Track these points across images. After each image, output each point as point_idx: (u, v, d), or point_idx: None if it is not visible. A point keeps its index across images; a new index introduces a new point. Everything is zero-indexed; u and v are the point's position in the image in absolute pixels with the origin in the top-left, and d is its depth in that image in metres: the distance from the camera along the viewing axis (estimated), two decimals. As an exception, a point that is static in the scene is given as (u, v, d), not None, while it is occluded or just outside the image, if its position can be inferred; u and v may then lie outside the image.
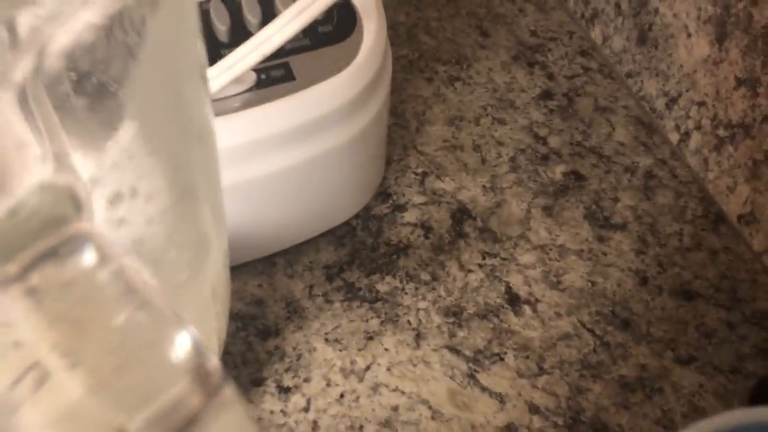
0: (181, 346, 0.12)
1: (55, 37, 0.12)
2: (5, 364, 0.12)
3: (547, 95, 0.44)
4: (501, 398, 0.34)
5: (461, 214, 0.39)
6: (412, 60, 0.45)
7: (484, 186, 0.40)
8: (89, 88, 0.13)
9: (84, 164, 0.14)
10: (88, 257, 0.12)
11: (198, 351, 0.12)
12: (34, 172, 0.13)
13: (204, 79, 0.18)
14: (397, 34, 0.46)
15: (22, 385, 0.12)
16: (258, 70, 0.32)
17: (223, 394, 0.12)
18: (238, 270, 0.37)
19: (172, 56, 0.15)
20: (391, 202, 0.39)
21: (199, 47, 0.17)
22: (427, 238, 0.38)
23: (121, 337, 0.12)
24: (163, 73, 0.15)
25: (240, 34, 0.33)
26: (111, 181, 0.14)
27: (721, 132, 0.39)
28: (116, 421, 0.12)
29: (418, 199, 0.40)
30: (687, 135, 0.41)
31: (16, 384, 0.12)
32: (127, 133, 0.14)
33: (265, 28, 0.30)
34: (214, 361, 0.12)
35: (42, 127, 0.13)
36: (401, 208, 0.39)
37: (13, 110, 0.12)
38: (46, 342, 0.12)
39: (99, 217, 0.15)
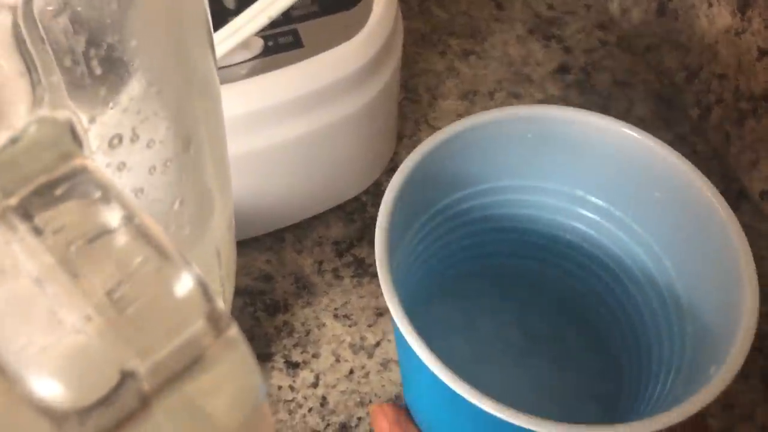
0: (191, 287, 0.12)
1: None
2: (12, 302, 0.12)
3: (564, 69, 0.44)
4: (514, 375, 0.34)
5: (474, 189, 0.39)
6: (425, 33, 0.45)
7: (498, 161, 0.40)
8: (86, 28, 0.13)
9: (82, 104, 0.14)
10: (92, 193, 0.12)
11: (207, 292, 0.12)
12: (31, 106, 0.13)
13: (209, 32, 0.18)
14: (409, 6, 0.46)
15: (29, 325, 0.12)
16: (265, 36, 0.32)
17: (230, 333, 0.12)
18: (245, 245, 0.37)
19: (175, 2, 0.15)
20: (402, 177, 0.39)
21: (203, 1, 0.17)
22: (439, 213, 0.38)
23: (129, 275, 0.12)
24: (165, 18, 0.15)
25: (247, 0, 0.33)
26: (111, 123, 0.14)
27: (743, 105, 0.39)
28: (128, 363, 0.12)
29: (431, 174, 0.40)
30: (708, 109, 0.41)
31: (24, 323, 0.12)
32: (127, 76, 0.14)
33: (272, -9, 0.30)
34: (220, 303, 0.13)
35: (37, 61, 0.13)
36: (413, 183, 0.39)
37: (6, 41, 0.12)
38: (51, 280, 0.12)
39: (99, 159, 0.15)
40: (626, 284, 0.28)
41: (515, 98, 0.42)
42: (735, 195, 0.39)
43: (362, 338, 0.35)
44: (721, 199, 0.24)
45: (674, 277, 0.26)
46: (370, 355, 0.34)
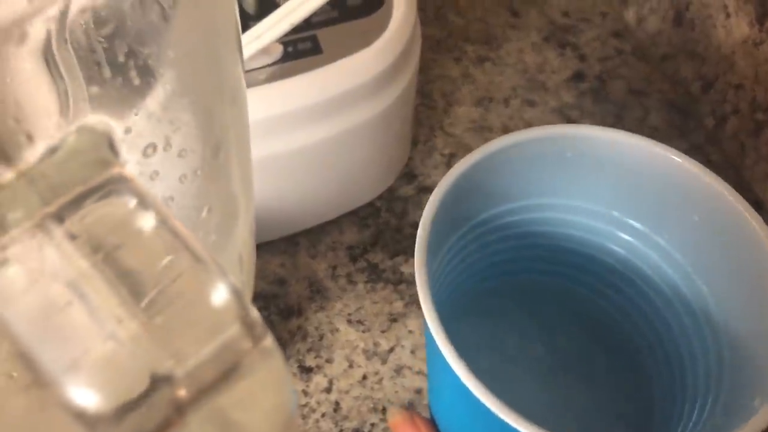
0: (226, 293, 0.13)
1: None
2: (48, 308, 0.12)
3: (578, 77, 0.44)
4: (527, 384, 0.34)
5: (489, 196, 0.39)
6: (440, 40, 0.46)
7: (512, 168, 0.40)
8: (125, 39, 0.14)
9: (119, 113, 0.14)
10: (128, 200, 0.13)
11: (241, 300, 0.13)
12: (69, 116, 0.13)
13: (238, 41, 0.18)
14: (425, 12, 0.47)
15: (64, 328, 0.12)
16: (285, 42, 0.32)
17: (265, 342, 0.13)
18: (260, 248, 0.37)
19: (210, 13, 0.15)
20: (416, 183, 0.40)
21: (235, 8, 0.17)
22: (453, 220, 0.39)
23: (164, 282, 0.13)
24: (201, 29, 0.15)
25: (268, 6, 0.33)
26: (146, 132, 0.15)
27: (759, 116, 0.39)
28: (162, 366, 0.12)
29: (445, 180, 0.40)
30: (723, 119, 0.41)
31: (59, 328, 0.12)
32: (163, 85, 0.14)
33: (293, -2, 0.30)
34: (254, 311, 0.13)
35: (74, 72, 0.13)
36: (427, 189, 0.40)
37: (42, 53, 0.13)
38: (87, 285, 0.12)
39: (132, 168, 0.15)
40: (659, 306, 0.28)
41: (530, 106, 0.43)
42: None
43: (375, 344, 0.35)
44: (764, 226, 0.24)
45: (711, 302, 0.26)
46: (384, 361, 0.34)
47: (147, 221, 0.13)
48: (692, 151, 0.41)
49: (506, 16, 0.47)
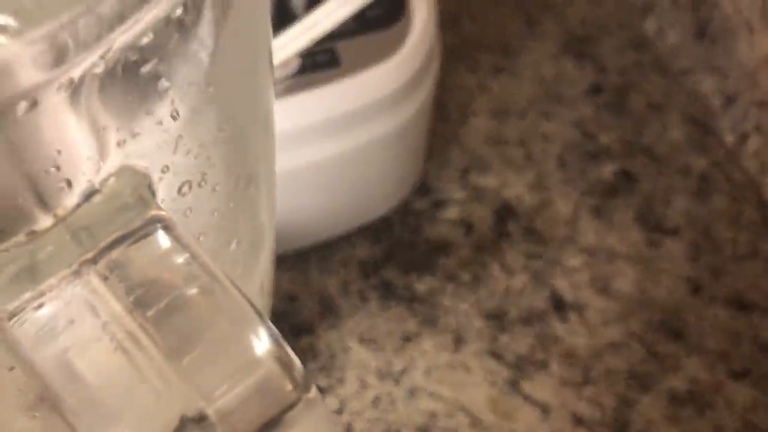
0: (267, 340, 0.12)
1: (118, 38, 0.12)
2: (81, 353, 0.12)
3: (596, 90, 0.44)
4: (544, 408, 0.34)
5: (505, 212, 0.39)
6: (455, 49, 0.45)
7: (529, 183, 0.40)
8: (165, 77, 0.13)
9: (158, 153, 0.14)
10: (164, 242, 0.12)
11: (283, 347, 0.12)
12: (110, 159, 0.13)
13: (271, 64, 0.17)
14: (441, 21, 0.46)
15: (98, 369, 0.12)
16: (302, 54, 0.32)
17: (312, 393, 0.12)
18: (270, 263, 0.37)
19: (249, 40, 0.15)
20: (430, 197, 0.39)
21: (270, 30, 0.17)
22: (468, 236, 0.38)
23: (203, 327, 0.12)
24: (241, 59, 0.15)
25: (283, 17, 0.32)
26: (183, 170, 0.14)
27: (782, 134, 0.39)
28: (198, 409, 0.12)
29: (460, 195, 0.39)
30: (744, 137, 0.41)
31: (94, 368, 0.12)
32: (203, 121, 0.14)
33: (315, 10, 0.29)
34: (299, 364, 0.12)
35: (113, 116, 0.13)
36: (441, 204, 0.39)
37: (79, 104, 0.12)
38: (122, 329, 0.12)
39: (167, 206, 0.15)
40: None
41: (547, 118, 0.42)
42: (770, 226, 0.39)
43: (388, 363, 0.34)
44: None
45: None
46: (397, 382, 0.34)
47: (181, 262, 0.13)
48: (712, 167, 0.41)
49: (522, 26, 0.46)
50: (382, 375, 0.34)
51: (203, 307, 0.12)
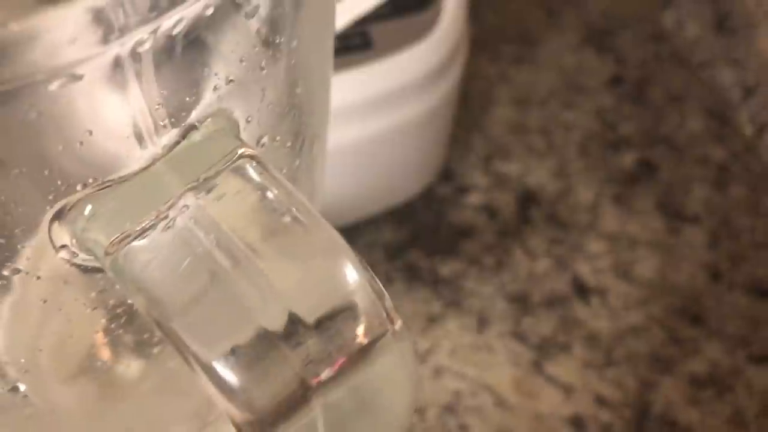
0: (357, 266, 0.13)
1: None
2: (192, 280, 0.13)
3: (617, 81, 0.45)
4: (567, 388, 0.35)
5: (527, 198, 0.40)
6: (477, 39, 0.46)
7: (551, 171, 0.41)
8: (261, 28, 0.14)
9: (244, 100, 0.14)
10: (257, 176, 0.13)
11: (371, 274, 0.13)
12: (205, 100, 0.14)
13: (334, 25, 0.18)
14: (460, 11, 0.47)
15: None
16: (335, 36, 0.33)
17: (399, 323, 0.13)
18: (296, 245, 0.37)
19: (324, 6, 0.16)
20: (454, 183, 0.40)
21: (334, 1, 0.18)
22: (491, 222, 0.39)
23: (295, 251, 0.13)
24: (319, 17, 0.16)
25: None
26: (263, 122, 0.15)
27: (801, 125, 0.40)
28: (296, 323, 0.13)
29: (483, 181, 0.40)
30: (763, 128, 0.42)
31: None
32: (285, 75, 0.15)
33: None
34: (383, 289, 0.13)
35: (211, 62, 0.14)
36: (465, 190, 0.40)
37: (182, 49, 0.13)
38: (222, 252, 0.13)
39: (246, 155, 0.16)
40: None
41: (568, 108, 0.43)
42: (788, 216, 0.40)
43: (414, 344, 0.35)
44: None
45: None
46: (423, 361, 0.35)
47: (276, 194, 0.14)
48: (731, 158, 0.42)
49: (543, 17, 0.47)
50: (408, 354, 0.35)
51: (297, 236, 0.13)
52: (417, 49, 0.33)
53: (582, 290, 0.37)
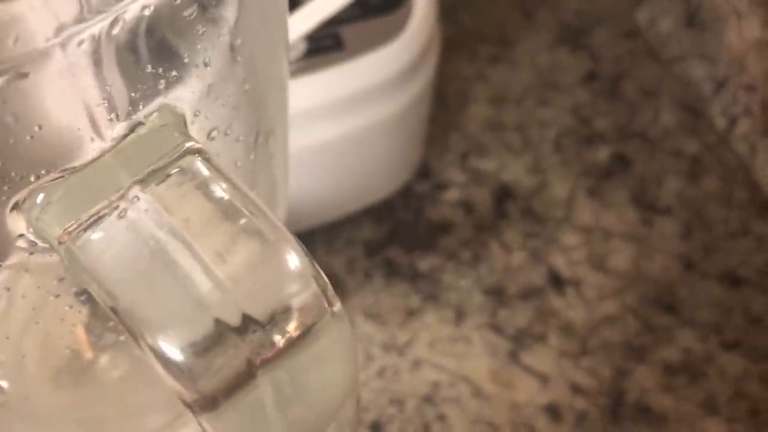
0: (299, 256, 0.14)
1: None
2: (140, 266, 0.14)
3: (591, 77, 0.45)
4: (543, 377, 0.35)
5: (503, 194, 0.41)
6: (453, 40, 0.47)
7: (526, 166, 0.42)
8: (201, 25, 0.15)
9: (191, 95, 0.15)
10: (203, 169, 0.14)
11: (312, 262, 0.14)
12: (150, 96, 0.14)
13: (287, 32, 0.19)
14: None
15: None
16: (307, 38, 0.33)
17: (338, 306, 0.14)
18: (277, 243, 0.38)
19: (271, 3, 0.17)
20: (431, 180, 0.41)
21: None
22: (468, 217, 0.40)
23: (240, 240, 0.14)
24: (264, 15, 0.16)
25: (290, 2, 0.34)
26: (212, 116, 0.16)
27: (770, 117, 0.40)
28: (235, 312, 0.13)
29: (460, 178, 0.41)
30: (734, 120, 0.43)
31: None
32: (231, 71, 0.16)
33: (319, -6, 0.31)
34: (323, 275, 0.14)
35: (154, 60, 0.14)
36: (442, 186, 0.41)
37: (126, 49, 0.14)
38: (167, 241, 0.14)
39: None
40: None
41: (543, 105, 0.44)
42: (760, 205, 0.41)
43: (392, 337, 0.36)
44: None
45: None
46: (401, 354, 0.36)
47: (221, 187, 0.15)
48: (704, 151, 0.43)
49: (518, 17, 0.48)
50: (387, 347, 0.36)
51: (242, 226, 0.14)
52: (388, 49, 0.34)
53: (557, 282, 0.38)
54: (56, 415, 0.20)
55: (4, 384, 0.17)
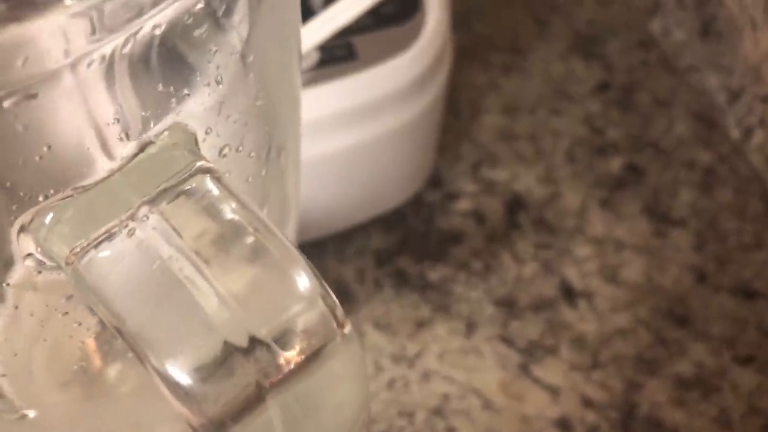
0: (308, 277, 0.14)
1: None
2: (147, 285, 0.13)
3: (604, 87, 0.45)
4: (554, 390, 0.35)
5: (515, 204, 0.41)
6: (466, 49, 0.47)
7: (539, 177, 0.41)
8: (211, 44, 0.15)
9: (203, 113, 0.15)
10: (213, 188, 0.14)
11: (323, 284, 0.14)
12: (161, 115, 0.14)
13: (300, 43, 0.19)
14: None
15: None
16: (320, 48, 0.33)
17: (348, 327, 0.14)
18: (287, 252, 0.38)
19: (282, 14, 0.16)
20: (443, 190, 0.41)
21: (299, 9, 0.18)
22: (479, 227, 0.40)
23: (249, 262, 0.14)
24: (276, 32, 0.16)
25: (303, 12, 0.34)
26: (223, 133, 0.16)
27: (785, 128, 0.40)
28: (243, 334, 0.13)
29: (471, 188, 0.41)
30: (749, 131, 0.42)
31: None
32: (243, 88, 0.15)
33: (332, 6, 0.31)
34: (333, 295, 0.14)
35: (164, 78, 0.14)
36: (453, 196, 0.41)
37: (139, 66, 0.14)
38: (176, 262, 0.13)
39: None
40: None
41: (556, 114, 0.44)
42: (774, 218, 0.40)
43: (402, 348, 0.36)
44: None
45: None
46: (411, 366, 0.35)
47: (231, 207, 0.14)
48: (718, 161, 0.42)
49: (531, 26, 0.48)
50: (397, 359, 0.36)
51: (252, 247, 0.14)
52: (401, 59, 0.34)
53: (569, 294, 0.38)
54: (66, 428, 0.20)
55: (15, 399, 0.17)
